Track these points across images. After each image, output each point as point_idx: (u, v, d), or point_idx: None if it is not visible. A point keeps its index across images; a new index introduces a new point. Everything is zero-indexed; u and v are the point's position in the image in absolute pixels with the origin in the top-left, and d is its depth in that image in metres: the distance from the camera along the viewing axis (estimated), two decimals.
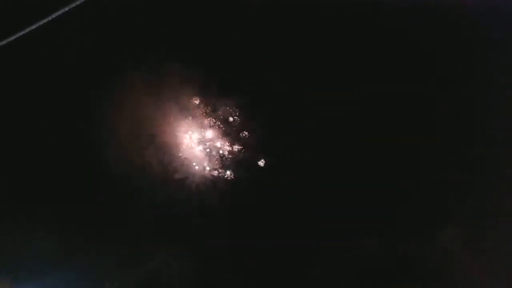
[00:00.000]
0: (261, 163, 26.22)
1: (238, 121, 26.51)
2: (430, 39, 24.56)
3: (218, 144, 26.53)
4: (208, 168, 26.24)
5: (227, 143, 26.57)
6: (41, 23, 9.18)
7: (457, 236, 23.51)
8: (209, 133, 26.62)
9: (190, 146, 26.45)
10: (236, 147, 26.49)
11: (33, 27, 9.29)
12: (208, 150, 26.56)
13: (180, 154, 26.20)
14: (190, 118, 26.37)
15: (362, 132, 25.17)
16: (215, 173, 26.13)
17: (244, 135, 26.47)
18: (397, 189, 24.56)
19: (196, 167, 26.28)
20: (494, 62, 23.73)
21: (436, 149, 24.78)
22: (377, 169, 24.95)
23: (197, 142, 26.54)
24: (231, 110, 26.56)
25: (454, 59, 24.48)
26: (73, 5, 9.12)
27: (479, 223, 23.38)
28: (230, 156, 26.45)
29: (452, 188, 24.29)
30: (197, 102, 26.21)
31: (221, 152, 26.49)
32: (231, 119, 26.58)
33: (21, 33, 9.08)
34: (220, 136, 26.61)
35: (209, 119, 26.53)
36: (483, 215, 23.44)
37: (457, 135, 24.51)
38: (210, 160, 26.43)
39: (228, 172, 26.21)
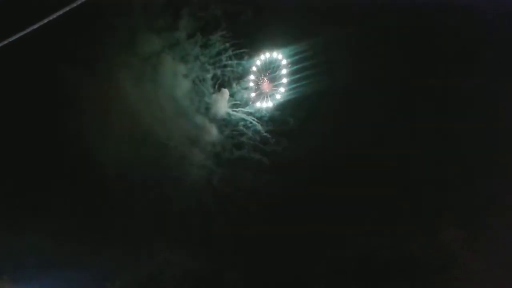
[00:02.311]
0: (261, 162, 26.20)
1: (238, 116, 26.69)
2: (431, 39, 24.55)
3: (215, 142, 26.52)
4: (207, 168, 26.20)
5: (224, 142, 26.55)
6: (42, 23, 9.20)
7: (459, 236, 23.47)
8: (205, 129, 26.73)
9: (186, 143, 26.38)
10: (234, 145, 26.47)
11: (35, 26, 9.31)
12: (205, 148, 26.52)
13: (177, 153, 26.16)
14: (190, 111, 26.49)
15: (364, 133, 25.41)
16: (215, 173, 26.08)
17: (242, 135, 26.56)
18: (399, 189, 24.54)
19: (194, 166, 26.27)
20: (495, 63, 23.64)
21: (437, 150, 24.89)
22: (378, 170, 24.95)
23: (194, 139, 26.51)
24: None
25: (455, 60, 24.47)
26: (74, 5, 9.12)
27: (481, 223, 23.33)
28: (229, 155, 26.43)
29: (454, 189, 24.28)
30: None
31: (219, 150, 26.45)
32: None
33: (21, 33, 9.11)
34: (217, 132, 26.63)
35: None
36: (485, 215, 23.41)
37: (458, 137, 24.49)
38: (208, 159, 26.43)
39: (227, 171, 26.15)
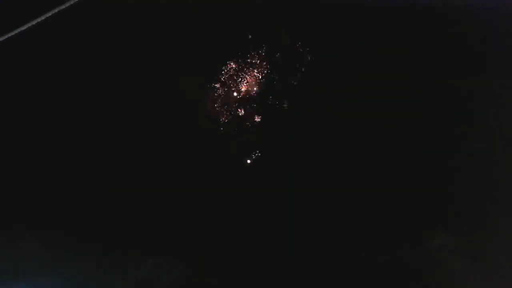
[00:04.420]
0: (250, 164, 26.08)
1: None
2: (433, 40, 24.57)
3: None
4: (195, 170, 26.07)
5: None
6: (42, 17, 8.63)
7: (449, 242, 23.59)
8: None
9: (173, 144, 26.21)
10: (224, 146, 26.41)
11: (33, 22, 8.72)
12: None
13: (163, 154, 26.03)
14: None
15: (360, 135, 25.17)
16: (202, 175, 25.91)
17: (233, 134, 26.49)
18: (393, 193, 24.43)
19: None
20: (495, 65, 23.70)
21: (428, 154, 24.73)
22: (373, 172, 24.86)
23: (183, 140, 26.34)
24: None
25: (455, 62, 24.45)
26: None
27: (471, 228, 23.32)
28: (218, 156, 26.31)
29: (447, 193, 24.12)
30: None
31: (207, 152, 26.38)
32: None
33: (20, 29, 8.51)
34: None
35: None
36: (476, 220, 23.35)
37: (455, 140, 24.40)
38: (196, 161, 26.27)
39: (216, 174, 26.01)
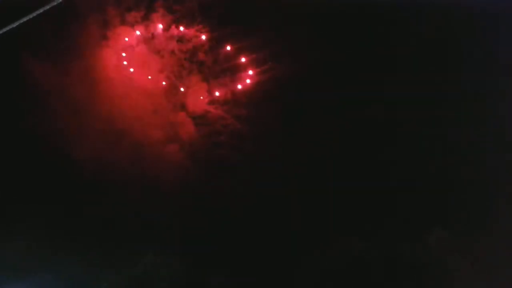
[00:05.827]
0: (240, 161, 26.04)
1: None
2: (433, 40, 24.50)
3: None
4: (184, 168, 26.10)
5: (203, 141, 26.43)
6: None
7: (446, 238, 23.50)
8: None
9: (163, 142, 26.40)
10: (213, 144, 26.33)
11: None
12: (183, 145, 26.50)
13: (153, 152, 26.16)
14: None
15: (360, 135, 25.28)
16: (193, 173, 25.94)
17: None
18: (392, 193, 24.37)
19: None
20: (496, 65, 23.57)
21: (423, 150, 24.79)
22: (373, 172, 24.90)
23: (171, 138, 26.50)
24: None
25: (455, 62, 24.38)
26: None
27: (468, 225, 23.23)
28: (207, 154, 26.29)
29: (440, 190, 24.17)
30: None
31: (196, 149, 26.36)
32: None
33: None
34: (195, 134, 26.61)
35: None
36: (472, 217, 23.33)
37: (455, 140, 24.35)
38: (185, 159, 26.32)
39: (205, 171, 25.96)
